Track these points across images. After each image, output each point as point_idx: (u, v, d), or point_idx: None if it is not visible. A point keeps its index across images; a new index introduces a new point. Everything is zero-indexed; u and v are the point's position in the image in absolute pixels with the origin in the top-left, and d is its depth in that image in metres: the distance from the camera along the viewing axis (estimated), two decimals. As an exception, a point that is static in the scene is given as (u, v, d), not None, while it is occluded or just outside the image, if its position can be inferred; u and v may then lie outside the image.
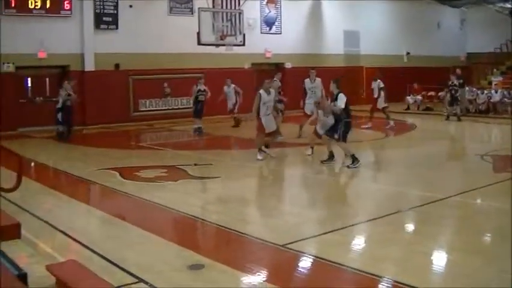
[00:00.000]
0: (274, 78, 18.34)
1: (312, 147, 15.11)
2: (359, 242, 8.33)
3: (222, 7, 23.09)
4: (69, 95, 19.06)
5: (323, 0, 31.54)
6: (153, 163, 15.00)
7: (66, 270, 5.79)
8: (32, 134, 20.42)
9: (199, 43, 21.57)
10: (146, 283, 6.31)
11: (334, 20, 31.88)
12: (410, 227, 9.25)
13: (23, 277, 5.39)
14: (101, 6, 23.82)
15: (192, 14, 25.10)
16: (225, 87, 22.28)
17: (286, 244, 7.65)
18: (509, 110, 25.43)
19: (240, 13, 22.96)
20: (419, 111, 28.27)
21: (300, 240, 7.90)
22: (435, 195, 10.47)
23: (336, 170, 14.16)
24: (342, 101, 13.48)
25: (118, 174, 13.21)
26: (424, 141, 19.45)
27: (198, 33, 21.31)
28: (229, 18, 22.62)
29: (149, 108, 25.38)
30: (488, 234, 8.54)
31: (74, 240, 8.07)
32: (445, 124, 24.03)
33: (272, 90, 15.11)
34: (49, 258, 6.91)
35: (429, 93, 29.43)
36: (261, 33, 28.91)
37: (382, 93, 22.07)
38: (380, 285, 6.42)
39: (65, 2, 22.78)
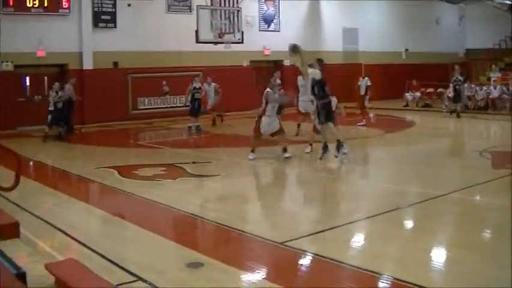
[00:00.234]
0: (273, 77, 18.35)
1: (311, 145, 15.10)
2: (358, 239, 8.33)
3: (220, 5, 23.07)
4: (60, 96, 18.98)
5: (321, -3, 31.61)
6: (152, 161, 14.99)
7: (65, 269, 5.80)
8: (30, 133, 20.39)
9: (197, 41, 21.57)
10: (146, 281, 6.30)
11: (333, 18, 31.88)
12: (409, 223, 9.25)
13: (22, 276, 5.40)
14: (100, 5, 23.81)
15: (190, 11, 25.12)
16: (206, 85, 22.11)
17: (285, 242, 7.65)
18: (508, 106, 25.43)
19: (238, 11, 22.94)
20: (417, 108, 28.25)
21: (299, 238, 7.89)
22: (434, 191, 10.47)
23: (335, 168, 14.16)
24: (314, 73, 13.62)
25: (116, 172, 13.19)
26: (423, 137, 19.45)
27: (196, 31, 21.31)
28: (227, 15, 22.61)
29: (147, 107, 25.37)
30: (488, 231, 8.54)
31: (73, 239, 8.05)
32: (444, 121, 24.02)
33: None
34: (48, 257, 6.90)
35: (428, 90, 29.42)
36: (260, 30, 28.91)
37: (369, 91, 22.14)
38: (379, 283, 6.42)
39: (64, 1, 22.76)
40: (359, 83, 22.53)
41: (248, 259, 7.21)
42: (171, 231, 9.04)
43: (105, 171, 13.46)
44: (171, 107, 25.53)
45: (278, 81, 18.72)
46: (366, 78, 22.46)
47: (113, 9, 24.15)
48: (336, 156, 13.69)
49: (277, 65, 28.14)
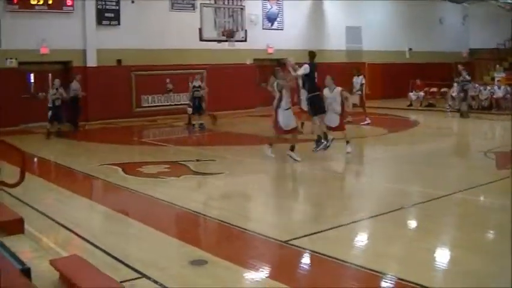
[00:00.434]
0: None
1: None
2: (361, 239, 8.33)
3: (224, 3, 23.05)
4: (56, 94, 18.99)
5: (325, -4, 31.62)
6: (156, 159, 15.02)
7: (69, 265, 5.82)
8: (34, 130, 20.44)
9: (201, 39, 21.58)
10: (149, 278, 6.31)
11: (336, 16, 31.89)
12: (413, 223, 9.24)
13: (26, 272, 5.42)
14: (103, 2, 23.86)
15: (194, 9, 25.16)
16: (190, 83, 22.03)
17: (288, 240, 7.66)
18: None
19: (242, 9, 22.93)
20: (421, 108, 28.21)
21: (302, 237, 7.89)
22: (438, 192, 10.46)
23: (339, 167, 14.18)
24: (302, 68, 13.61)
25: (120, 169, 13.22)
26: (427, 137, 19.41)
27: (200, 29, 21.32)
28: (231, 14, 22.60)
29: (151, 104, 25.41)
30: (491, 232, 8.53)
31: (77, 235, 8.08)
32: (448, 120, 24.02)
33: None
34: (52, 253, 6.92)
35: (432, 90, 29.38)
36: (263, 29, 28.95)
37: (363, 89, 22.04)
38: (382, 282, 6.43)
39: (67, -2, 22.86)
40: (353, 81, 22.40)
41: (251, 257, 7.22)
42: (175, 229, 9.06)
43: (109, 168, 13.48)
44: (175, 104, 25.50)
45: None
46: (361, 76, 22.35)
47: (117, 7, 24.20)
48: (313, 150, 13.80)
49: (280, 63, 28.12)
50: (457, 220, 9.30)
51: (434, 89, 29.34)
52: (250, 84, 27.29)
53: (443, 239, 8.11)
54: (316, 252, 7.36)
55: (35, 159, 15.05)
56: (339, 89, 14.75)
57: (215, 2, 22.47)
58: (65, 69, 23.51)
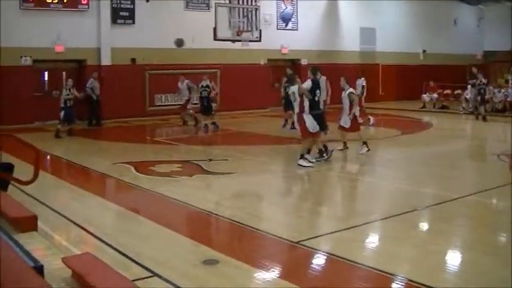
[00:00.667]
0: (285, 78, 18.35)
1: (345, 142, 15.16)
2: (373, 240, 8.32)
3: (238, 3, 23.06)
4: (70, 94, 19.12)
5: (339, -3, 31.58)
6: (168, 158, 15.07)
7: (82, 263, 5.84)
8: (48, 128, 20.53)
9: (215, 38, 21.60)
10: (161, 277, 6.33)
11: (350, 17, 31.83)
12: (425, 225, 9.21)
13: (39, 269, 5.43)
14: (118, 1, 23.93)
15: (209, 9, 25.18)
16: (179, 83, 22.09)
17: (300, 241, 7.66)
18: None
19: (256, 9, 22.93)
20: (434, 110, 28.10)
21: (314, 237, 7.90)
22: (451, 194, 10.43)
23: (352, 168, 14.17)
24: (305, 83, 13.54)
25: (133, 168, 13.26)
26: (440, 139, 19.35)
27: (214, 29, 21.35)
28: (245, 14, 22.61)
29: (164, 103, 25.42)
30: (504, 234, 8.48)
31: (90, 233, 8.13)
32: (462, 123, 23.93)
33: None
34: (65, 251, 6.95)
35: (446, 92, 29.25)
36: (277, 29, 28.93)
37: (364, 91, 21.86)
38: (394, 284, 6.42)
39: (83, -3, 22.97)
40: (356, 83, 22.22)
41: (263, 257, 7.21)
42: (187, 228, 9.08)
43: (122, 166, 13.53)
44: (188, 103, 25.49)
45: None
46: (362, 78, 22.20)
47: (132, 6, 24.26)
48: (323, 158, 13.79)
49: (294, 63, 28.14)
50: (470, 222, 9.25)
51: (448, 91, 29.24)
52: (263, 85, 27.28)
53: (455, 241, 8.08)
54: (328, 253, 7.37)
55: (48, 157, 15.12)
56: (349, 90, 14.77)
57: (230, 2, 22.48)
58: (79, 68, 23.63)
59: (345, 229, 8.37)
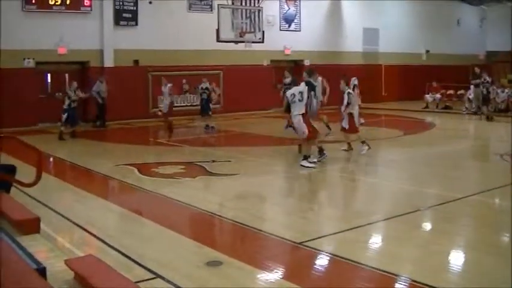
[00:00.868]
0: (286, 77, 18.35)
1: (349, 143, 15.21)
2: (376, 241, 8.31)
3: (241, 4, 23.06)
4: (72, 96, 19.13)
5: (342, -2, 31.57)
6: (171, 159, 15.05)
7: (84, 265, 5.83)
8: (51, 130, 20.54)
9: (218, 40, 21.60)
10: (164, 279, 6.33)
11: (353, 18, 31.82)
12: (428, 225, 9.19)
13: (42, 271, 5.42)
14: (121, 3, 23.95)
15: (211, 10, 25.16)
16: (162, 87, 21.89)
17: (303, 242, 7.65)
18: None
19: (259, 10, 22.92)
20: (437, 110, 28.07)
21: (317, 238, 7.90)
22: (454, 194, 10.43)
23: (354, 168, 14.15)
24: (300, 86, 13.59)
25: (136, 170, 13.26)
26: (443, 139, 19.33)
27: (217, 30, 21.35)
28: (248, 15, 22.61)
29: (167, 105, 25.39)
30: (507, 234, 8.46)
31: (93, 235, 8.13)
32: (464, 123, 23.89)
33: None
34: (68, 253, 6.94)
35: (449, 92, 29.22)
36: (280, 30, 28.92)
37: (356, 90, 21.73)
38: (397, 284, 6.41)
39: (85, -1, 23.00)
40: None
41: (266, 258, 7.21)
42: (190, 229, 9.08)
43: (125, 168, 13.53)
44: (191, 105, 25.52)
45: (287, 80, 18.76)
46: (354, 77, 22.08)
47: (135, 7, 24.30)
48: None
49: (297, 64, 28.15)
50: (473, 222, 9.25)
51: (451, 91, 29.21)
52: (266, 86, 27.27)
53: (458, 242, 8.08)
54: (331, 254, 7.36)
55: (51, 159, 15.14)
56: (346, 91, 14.90)
57: (232, 3, 22.48)
58: (82, 70, 23.65)
59: (348, 230, 8.37)
